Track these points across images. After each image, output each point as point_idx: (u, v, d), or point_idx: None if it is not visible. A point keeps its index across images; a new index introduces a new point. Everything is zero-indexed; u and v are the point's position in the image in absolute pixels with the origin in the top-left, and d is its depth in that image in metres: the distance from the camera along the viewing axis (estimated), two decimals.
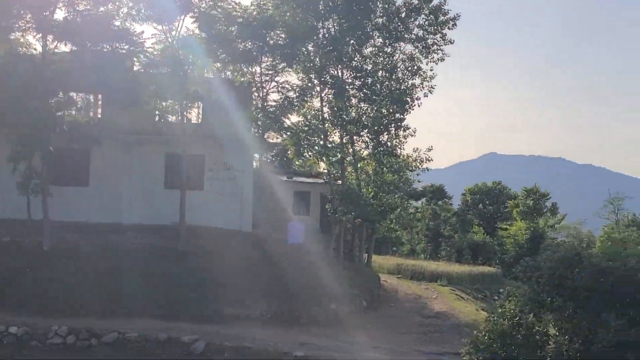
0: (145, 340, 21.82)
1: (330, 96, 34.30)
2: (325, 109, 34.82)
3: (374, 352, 23.81)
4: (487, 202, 73.26)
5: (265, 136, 33.96)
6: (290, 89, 31.50)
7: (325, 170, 36.78)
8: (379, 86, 35.27)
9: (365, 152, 37.22)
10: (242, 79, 31.09)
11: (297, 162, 41.38)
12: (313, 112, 35.44)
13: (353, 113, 35.15)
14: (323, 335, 25.71)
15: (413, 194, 75.62)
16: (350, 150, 36.77)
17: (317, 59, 33.33)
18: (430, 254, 69.65)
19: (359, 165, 37.21)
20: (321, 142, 35.01)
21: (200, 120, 33.55)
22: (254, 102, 32.05)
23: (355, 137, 36.60)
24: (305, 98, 32.73)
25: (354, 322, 28.96)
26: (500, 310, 16.17)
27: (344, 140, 36.46)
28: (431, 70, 37.85)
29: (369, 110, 35.50)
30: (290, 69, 32.00)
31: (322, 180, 37.66)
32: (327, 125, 35.09)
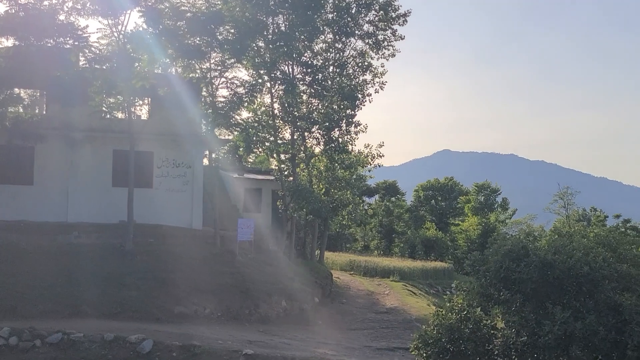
0: (91, 340, 21.25)
1: (280, 92, 34.06)
2: (276, 105, 34.60)
3: (323, 348, 23.63)
4: (440, 198, 73.78)
5: (217, 133, 33.54)
6: (239, 84, 31.10)
7: (276, 167, 36.52)
8: (329, 82, 35.16)
9: (317, 149, 37.10)
10: (192, 75, 30.60)
11: (248, 160, 41.10)
12: (263, 108, 35.18)
13: (304, 109, 34.98)
14: (273, 333, 25.48)
15: (366, 191, 76.02)
16: (302, 146, 36.58)
17: (267, 55, 33.02)
18: (384, 251, 69.92)
19: (311, 162, 37.06)
20: (272, 139, 34.78)
21: (149, 116, 33.06)
22: (204, 98, 31.58)
23: (306, 134, 36.43)
24: (255, 94, 32.38)
25: (305, 318, 28.85)
26: (448, 305, 16.14)
27: (295, 137, 36.25)
28: (382, 66, 37.96)
29: (320, 106, 35.37)
30: (239, 65, 31.59)
31: (273, 177, 37.38)
32: (277, 121, 34.86)
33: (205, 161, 34.60)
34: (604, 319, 14.21)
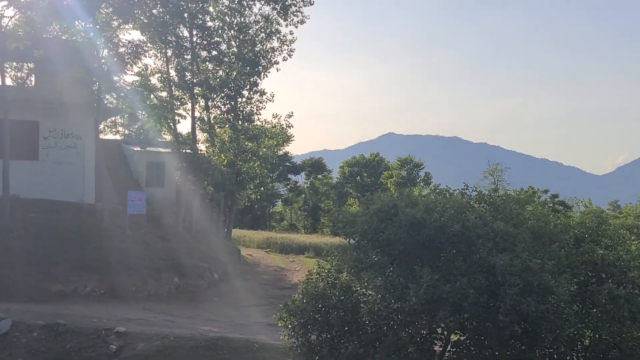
0: None
1: (169, 55, 31.99)
2: (173, 72, 32.58)
3: (210, 325, 22.12)
4: (365, 175, 72.64)
5: (105, 101, 31.41)
6: (122, 45, 28.91)
7: (172, 138, 34.57)
8: (227, 47, 33.29)
9: (221, 118, 35.25)
10: (75, 38, 28.39)
11: (164, 133, 38.95)
12: (150, 71, 32.95)
13: (201, 75, 32.99)
14: (160, 310, 23.90)
15: (291, 168, 74.66)
16: (205, 115, 34.75)
17: (158, 15, 30.84)
18: (311, 229, 68.82)
19: (215, 132, 35.24)
20: (165, 105, 32.73)
21: (35, 83, 30.78)
22: (92, 63, 29.31)
23: (210, 103, 34.60)
24: (139, 56, 30.23)
25: (200, 295, 27.34)
26: (315, 270, 14.69)
27: (197, 105, 34.40)
28: (291, 33, 36.36)
29: (221, 73, 33.48)
30: (126, 26, 29.43)
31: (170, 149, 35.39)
32: (174, 88, 32.85)
33: (103, 134, 32.52)
34: (476, 282, 12.88)
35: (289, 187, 74.55)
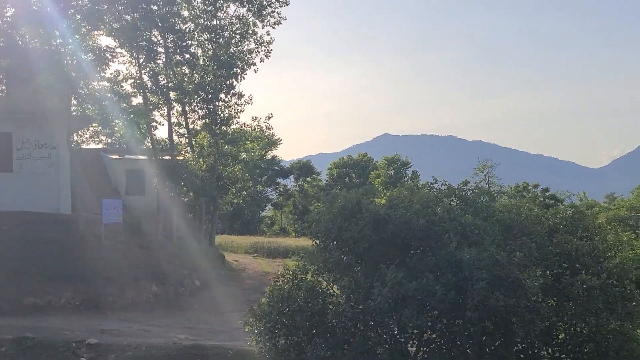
0: None
1: (142, 60, 31.48)
2: (146, 77, 32.02)
3: (186, 333, 21.60)
4: (354, 175, 72.24)
5: (81, 110, 30.89)
6: (92, 51, 28.31)
7: (149, 145, 34.02)
8: (199, 49, 32.80)
9: (199, 123, 34.77)
10: (44, 46, 27.88)
11: (146, 141, 38.34)
12: (122, 77, 32.42)
13: (175, 79, 32.47)
14: (136, 320, 23.35)
15: (280, 172, 74.23)
16: (182, 120, 34.26)
17: (129, 20, 30.28)
18: (302, 232, 68.41)
19: (193, 137, 34.74)
20: (138, 111, 32.19)
21: (5, 94, 30.29)
22: (62, 69, 28.73)
23: (187, 108, 34.12)
24: (110, 62, 29.72)
25: (180, 303, 26.86)
26: (281, 272, 14.23)
27: (175, 112, 33.93)
28: (268, 34, 35.90)
29: (196, 76, 32.98)
30: (96, 32, 28.93)
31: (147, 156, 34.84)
32: (147, 93, 32.32)
33: (81, 144, 32.02)
34: (443, 278, 12.45)
35: (278, 191, 74.11)
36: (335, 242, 13.59)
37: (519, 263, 12.44)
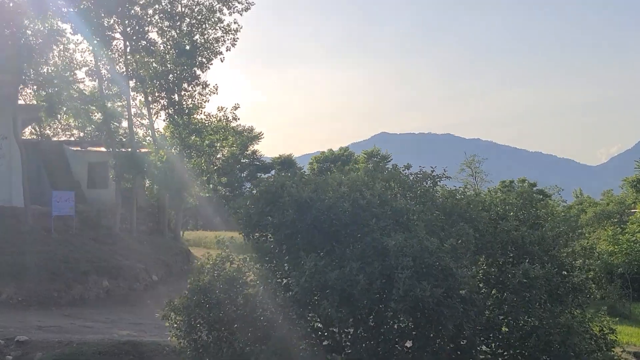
0: None
1: (95, 47, 30.14)
2: (100, 65, 30.74)
3: (132, 329, 20.60)
4: (335, 170, 71.18)
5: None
6: (30, 34, 26.91)
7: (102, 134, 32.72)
8: (158, 36, 31.55)
9: (163, 114, 33.56)
10: None
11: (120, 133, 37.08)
12: (75, 64, 31.05)
13: (128, 66, 31.12)
14: (81, 316, 22.31)
15: (261, 167, 73.01)
16: (145, 110, 33.09)
17: (83, 6, 28.96)
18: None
19: (154, 127, 33.59)
20: (92, 99, 30.90)
21: None
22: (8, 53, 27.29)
23: (149, 98, 32.93)
24: (58, 44, 28.24)
25: (133, 298, 25.84)
26: (199, 263, 13.19)
27: (140, 102, 32.79)
28: (235, 22, 34.67)
29: (154, 64, 31.72)
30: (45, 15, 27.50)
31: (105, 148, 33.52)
32: (104, 81, 31.02)
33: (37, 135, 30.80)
34: (369, 267, 11.41)
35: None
36: (257, 228, 12.55)
37: (450, 250, 11.42)
